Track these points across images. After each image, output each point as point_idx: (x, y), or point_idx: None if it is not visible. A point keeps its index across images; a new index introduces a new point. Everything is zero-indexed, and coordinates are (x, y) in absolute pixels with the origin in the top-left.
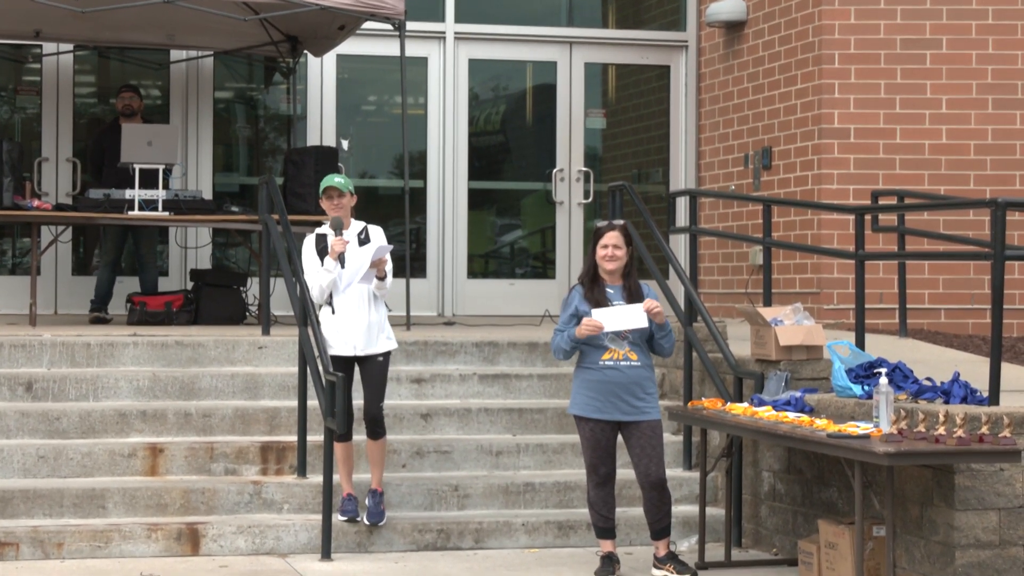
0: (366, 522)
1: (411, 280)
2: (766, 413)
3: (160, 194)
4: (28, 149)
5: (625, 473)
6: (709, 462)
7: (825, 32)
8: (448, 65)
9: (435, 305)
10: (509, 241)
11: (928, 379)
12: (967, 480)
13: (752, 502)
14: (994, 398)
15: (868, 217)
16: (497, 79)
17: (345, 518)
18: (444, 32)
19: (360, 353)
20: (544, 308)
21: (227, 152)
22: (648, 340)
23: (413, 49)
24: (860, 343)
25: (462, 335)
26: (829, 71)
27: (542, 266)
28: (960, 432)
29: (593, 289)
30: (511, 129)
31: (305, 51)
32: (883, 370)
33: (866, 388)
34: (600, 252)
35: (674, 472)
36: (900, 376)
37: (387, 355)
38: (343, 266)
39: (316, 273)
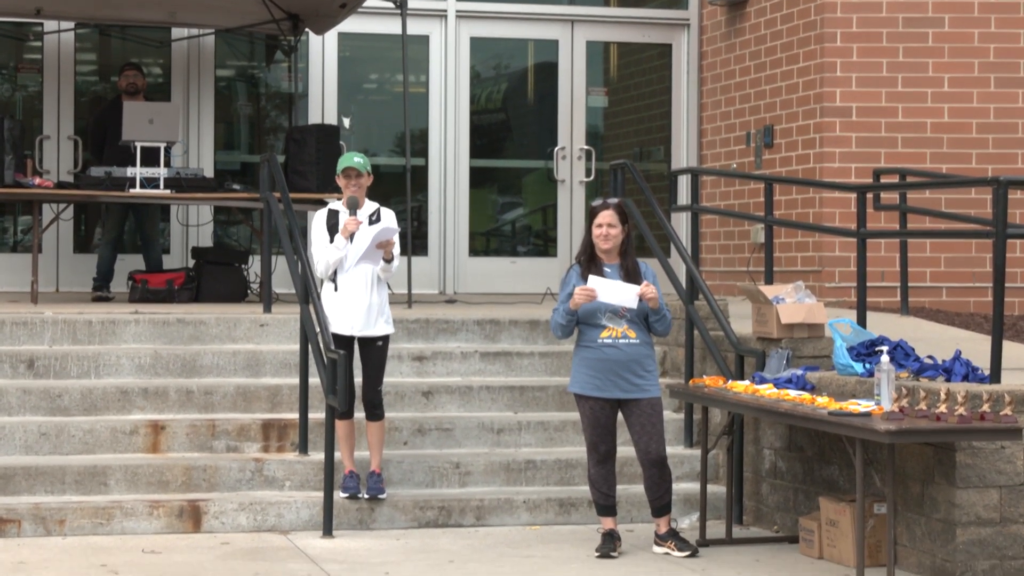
0: (365, 496)
1: (412, 258)
2: (767, 391)
3: (161, 172)
4: (29, 127)
5: (626, 451)
6: (710, 440)
7: (827, 10)
8: (449, 43)
9: (436, 283)
10: (510, 219)
11: (930, 357)
12: (968, 458)
13: (753, 480)
14: (995, 376)
15: (870, 195)
16: (499, 57)
17: (346, 495)
18: (445, 10)
19: (358, 334)
20: (545, 286)
21: (228, 130)
22: (646, 319)
23: (414, 27)
24: (862, 321)
25: (463, 313)
26: (831, 49)
27: (543, 244)
28: (961, 410)
29: (590, 268)
30: (512, 107)
31: (306, 29)
32: (884, 348)
33: (867, 366)
34: (595, 231)
35: (675, 450)
36: (901, 354)
37: (386, 339)
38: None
39: (324, 249)
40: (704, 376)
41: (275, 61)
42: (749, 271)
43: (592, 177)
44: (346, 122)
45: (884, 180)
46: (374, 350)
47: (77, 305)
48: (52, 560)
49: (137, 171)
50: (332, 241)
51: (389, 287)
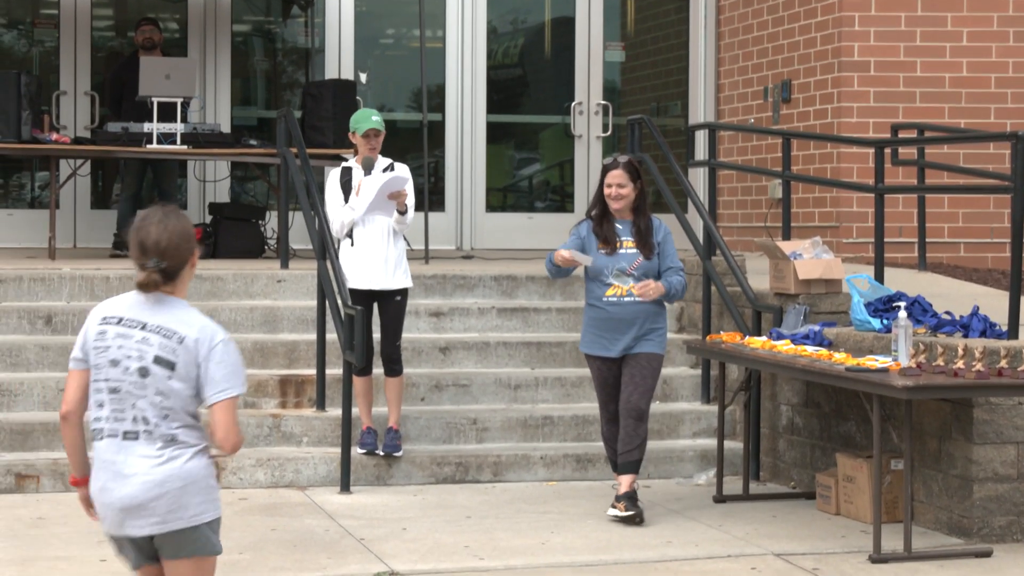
0: (382, 452)
1: (430, 214)
2: (784, 347)
3: (178, 127)
4: (46, 83)
5: None
6: (727, 396)
7: None
8: None
9: (453, 239)
10: (527, 175)
11: (947, 313)
12: (986, 414)
13: (770, 436)
14: (1013, 332)
15: (888, 151)
16: (515, 12)
17: (364, 451)
18: None
19: (376, 287)
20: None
21: (245, 85)
22: (656, 278)
23: None
24: (879, 277)
25: (480, 269)
26: (849, 3)
27: (560, 200)
28: (979, 366)
29: (602, 224)
30: (529, 62)
31: None
32: (902, 304)
33: (885, 322)
34: (605, 191)
35: (692, 406)
36: (919, 310)
37: (404, 294)
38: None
39: (339, 209)
40: (721, 332)
41: (291, 16)
42: (766, 227)
43: (609, 132)
44: (363, 77)
45: (902, 135)
46: (392, 305)
47: (95, 261)
48: (71, 515)
49: (154, 127)
50: (347, 199)
51: (407, 241)
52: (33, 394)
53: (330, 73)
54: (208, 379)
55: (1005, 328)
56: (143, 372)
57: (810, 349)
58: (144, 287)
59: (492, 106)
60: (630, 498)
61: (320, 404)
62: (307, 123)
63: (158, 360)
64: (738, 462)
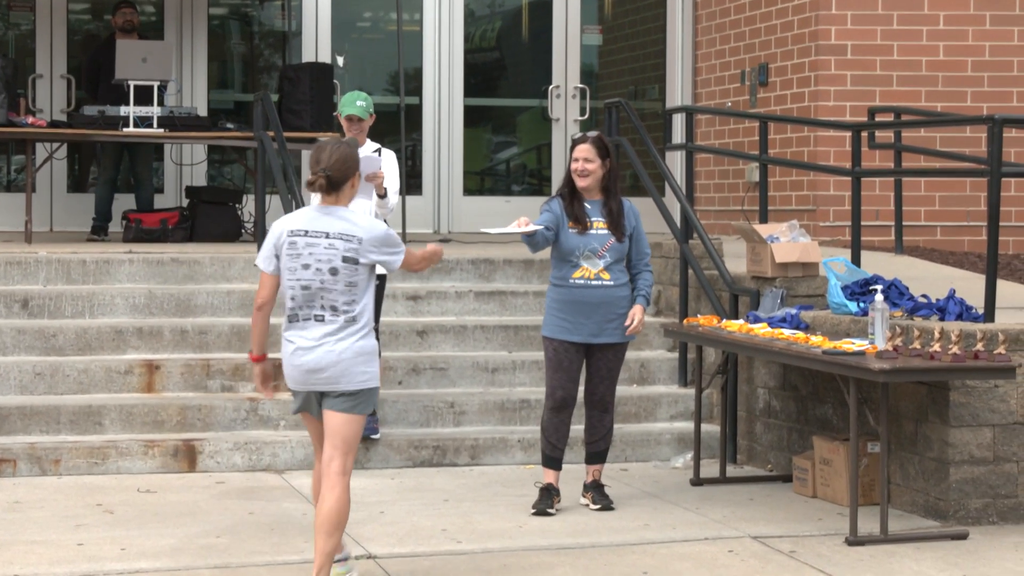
0: None
1: (407, 197)
2: (761, 330)
3: (155, 111)
4: (22, 66)
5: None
6: (704, 379)
7: None
8: None
9: (431, 222)
10: (505, 158)
11: (924, 296)
12: (962, 397)
13: (747, 419)
14: (989, 315)
15: (864, 134)
16: None
17: None
18: None
19: None
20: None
21: (222, 69)
22: (626, 262)
23: None
24: (856, 260)
25: (458, 252)
26: None
27: (538, 183)
28: (955, 349)
29: (572, 203)
30: (507, 46)
31: None
32: (879, 287)
33: (862, 305)
34: (572, 166)
35: (669, 389)
36: (896, 293)
37: (383, 277)
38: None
39: None
40: (698, 315)
41: None
42: (744, 210)
43: (587, 116)
44: (340, 60)
45: (879, 119)
46: None
47: (71, 245)
48: (47, 499)
49: (131, 110)
50: None
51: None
52: (10, 378)
53: (307, 56)
54: (387, 264)
55: (981, 311)
56: (333, 271)
57: (787, 332)
58: (311, 186)
59: (469, 89)
60: (597, 488)
61: None
62: (284, 106)
63: (345, 259)
64: (715, 445)
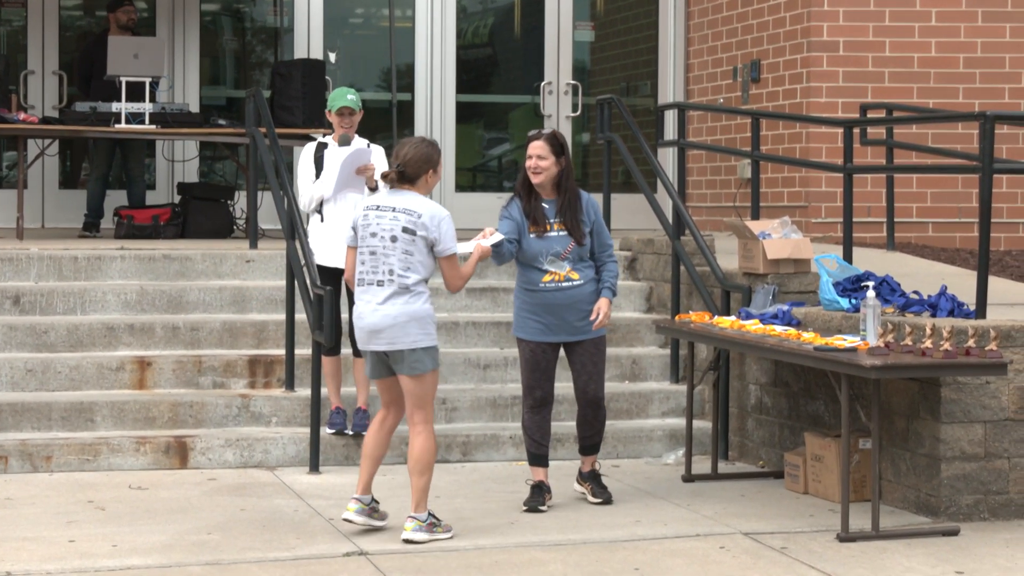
0: (351, 432)
1: None
2: (753, 326)
3: (147, 107)
4: (14, 62)
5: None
6: (696, 375)
7: None
8: None
9: None
10: (497, 155)
11: (915, 292)
12: (953, 393)
13: (739, 415)
14: (981, 311)
15: (856, 130)
16: None
17: (333, 431)
18: None
19: (342, 265)
20: None
21: (214, 65)
22: (591, 256)
23: None
24: (848, 256)
25: None
26: None
27: None
28: (947, 345)
29: (530, 200)
30: (499, 42)
31: None
32: (870, 283)
33: (853, 301)
34: (526, 163)
35: (661, 385)
36: (887, 289)
37: None
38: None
39: (309, 184)
40: (690, 312)
41: None
42: (735, 206)
43: (579, 112)
44: (332, 57)
45: (871, 115)
46: None
47: (63, 241)
48: (39, 496)
49: (123, 106)
50: (319, 175)
51: None
52: (1, 375)
53: (299, 53)
54: (439, 242)
55: (973, 307)
56: (393, 239)
57: (779, 329)
58: (384, 177)
59: (461, 86)
60: (594, 478)
61: (289, 384)
62: (276, 103)
63: (405, 230)
64: (707, 441)
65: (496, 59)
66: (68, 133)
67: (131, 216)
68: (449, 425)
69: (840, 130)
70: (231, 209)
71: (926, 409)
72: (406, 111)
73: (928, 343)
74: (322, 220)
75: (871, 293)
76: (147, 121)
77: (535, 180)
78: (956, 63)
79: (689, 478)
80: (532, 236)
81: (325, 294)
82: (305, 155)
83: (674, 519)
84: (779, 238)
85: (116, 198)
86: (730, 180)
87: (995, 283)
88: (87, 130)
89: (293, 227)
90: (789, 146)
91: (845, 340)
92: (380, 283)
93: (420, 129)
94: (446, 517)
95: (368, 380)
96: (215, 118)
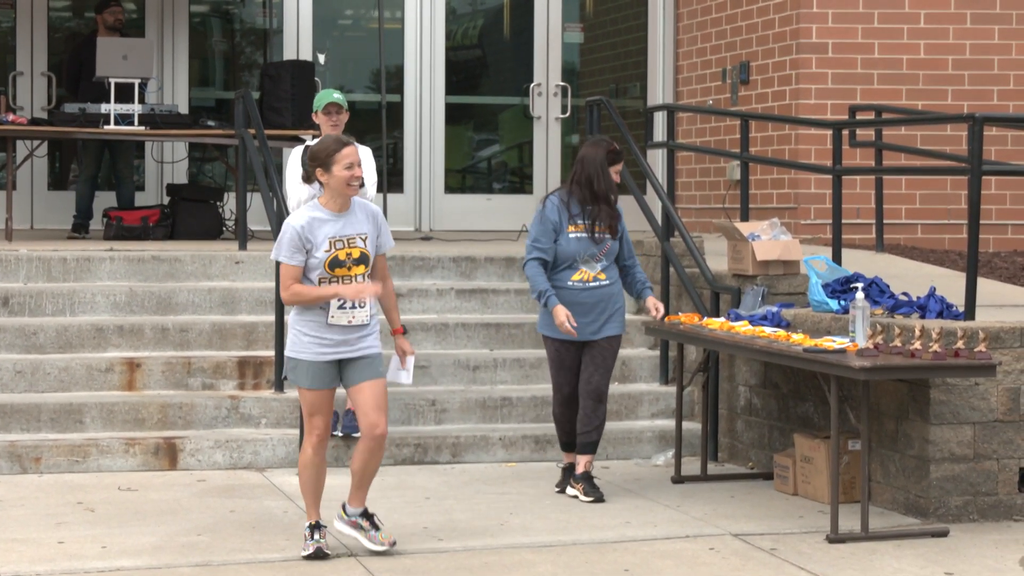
0: (339, 433)
1: (388, 195)
2: (743, 328)
3: (136, 108)
4: (2, 63)
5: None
6: (686, 377)
7: None
8: None
9: (412, 220)
10: (486, 156)
11: (904, 294)
12: (942, 394)
13: (728, 417)
14: (970, 313)
15: (845, 132)
16: None
17: None
18: None
19: None
20: (521, 223)
21: (203, 66)
22: (616, 259)
23: None
24: (837, 258)
25: (439, 250)
26: None
27: (519, 181)
28: (936, 347)
29: (592, 204)
30: (488, 43)
31: None
32: (859, 285)
33: (842, 303)
34: (607, 176)
35: (650, 387)
36: (876, 291)
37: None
38: None
39: (298, 187)
40: (679, 313)
41: None
42: (725, 208)
43: (568, 113)
44: (321, 58)
45: (860, 117)
46: None
47: (52, 242)
48: (28, 498)
49: (111, 107)
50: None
51: None
52: None
53: (288, 54)
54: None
55: (962, 309)
56: None
57: (768, 330)
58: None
59: (451, 87)
60: (587, 479)
61: (278, 386)
62: (265, 104)
63: None
64: (696, 443)
65: (485, 60)
66: (57, 134)
67: (120, 217)
68: (439, 426)
69: (829, 132)
70: (220, 210)
71: (915, 410)
72: (395, 113)
73: (917, 344)
74: None
75: (860, 294)
76: (136, 122)
77: (605, 191)
78: (945, 65)
79: (679, 479)
80: (573, 236)
81: None
82: (293, 158)
83: (664, 520)
84: (768, 240)
85: (105, 199)
86: (719, 182)
87: (984, 284)
88: (76, 131)
89: None
90: (778, 148)
91: (834, 341)
92: None
93: (410, 130)
94: (436, 518)
95: None
96: (204, 119)
